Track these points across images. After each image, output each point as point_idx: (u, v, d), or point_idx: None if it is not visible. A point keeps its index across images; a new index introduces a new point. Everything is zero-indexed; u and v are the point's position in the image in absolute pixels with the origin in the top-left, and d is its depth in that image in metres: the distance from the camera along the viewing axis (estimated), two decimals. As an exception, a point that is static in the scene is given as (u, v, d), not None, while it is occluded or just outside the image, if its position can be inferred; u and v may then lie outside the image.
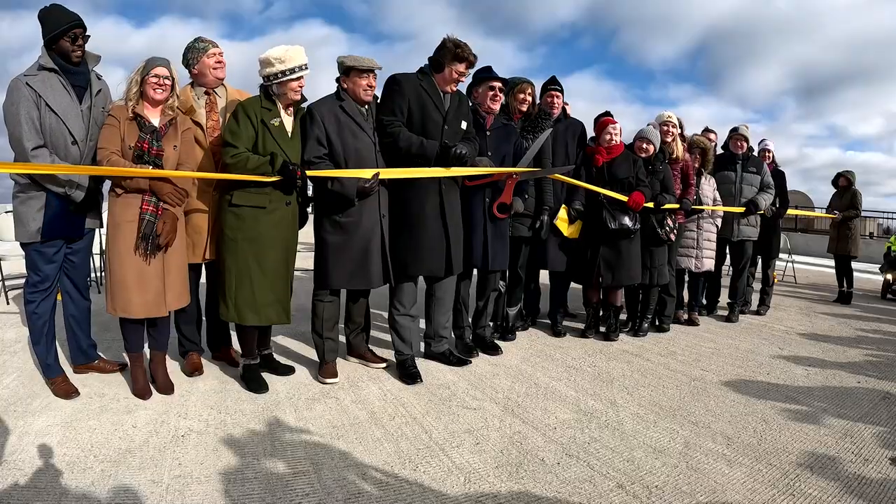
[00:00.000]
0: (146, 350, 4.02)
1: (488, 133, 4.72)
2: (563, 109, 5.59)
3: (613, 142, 5.41)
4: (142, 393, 3.83)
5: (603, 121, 5.57)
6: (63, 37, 3.62)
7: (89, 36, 3.74)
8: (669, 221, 5.62)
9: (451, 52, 4.19)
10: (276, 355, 4.51)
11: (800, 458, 3.17)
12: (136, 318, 3.79)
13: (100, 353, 4.37)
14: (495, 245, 4.74)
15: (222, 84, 4.27)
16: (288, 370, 4.35)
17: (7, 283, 6.91)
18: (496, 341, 5.17)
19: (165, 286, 3.80)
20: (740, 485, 2.87)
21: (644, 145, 5.56)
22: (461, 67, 4.22)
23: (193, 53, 4.11)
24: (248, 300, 3.93)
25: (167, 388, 3.92)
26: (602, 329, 5.76)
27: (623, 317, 6.02)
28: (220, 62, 4.16)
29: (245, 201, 3.86)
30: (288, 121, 3.98)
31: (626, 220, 5.24)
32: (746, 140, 6.57)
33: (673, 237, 5.69)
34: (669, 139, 5.85)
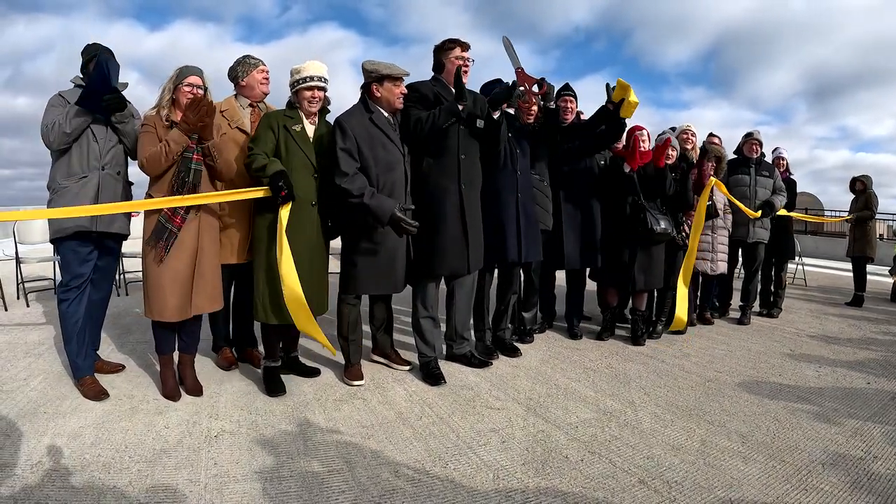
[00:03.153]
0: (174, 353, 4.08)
1: (510, 134, 4.79)
2: (578, 115, 5.68)
3: (643, 148, 5.37)
4: (171, 395, 3.91)
5: (632, 127, 5.59)
6: (91, 62, 3.96)
7: (118, 64, 3.99)
8: (686, 227, 5.70)
9: (443, 47, 4.34)
10: (301, 358, 4.59)
11: (812, 456, 3.25)
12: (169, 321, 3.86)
13: (98, 354, 4.45)
14: (528, 237, 4.81)
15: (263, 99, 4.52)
16: (314, 372, 4.44)
17: (26, 285, 7.00)
18: (515, 344, 5.24)
19: (196, 288, 3.88)
20: (755, 480, 2.97)
21: (671, 152, 5.57)
22: (458, 51, 4.33)
23: (244, 67, 4.38)
24: (275, 299, 3.99)
25: (196, 389, 4.02)
26: (625, 333, 5.82)
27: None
28: (266, 78, 4.45)
29: (271, 203, 3.96)
30: (310, 128, 4.10)
31: (664, 224, 5.26)
32: (760, 145, 6.68)
33: (684, 240, 5.77)
34: (689, 146, 5.96)
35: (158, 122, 3.79)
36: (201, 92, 3.85)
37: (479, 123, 4.35)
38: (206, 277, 3.94)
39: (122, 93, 4.04)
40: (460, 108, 4.18)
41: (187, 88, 3.82)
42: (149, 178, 3.85)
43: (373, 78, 4.17)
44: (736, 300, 7.09)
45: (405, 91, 4.21)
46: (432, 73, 4.49)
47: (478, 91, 4.73)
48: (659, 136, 5.94)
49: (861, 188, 8.61)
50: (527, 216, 4.83)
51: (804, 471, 3.08)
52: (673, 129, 6.24)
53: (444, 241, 4.31)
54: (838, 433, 3.59)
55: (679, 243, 5.66)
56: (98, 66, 3.83)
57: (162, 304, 3.77)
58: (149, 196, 3.82)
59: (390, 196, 4.07)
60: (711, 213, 5.98)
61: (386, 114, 4.20)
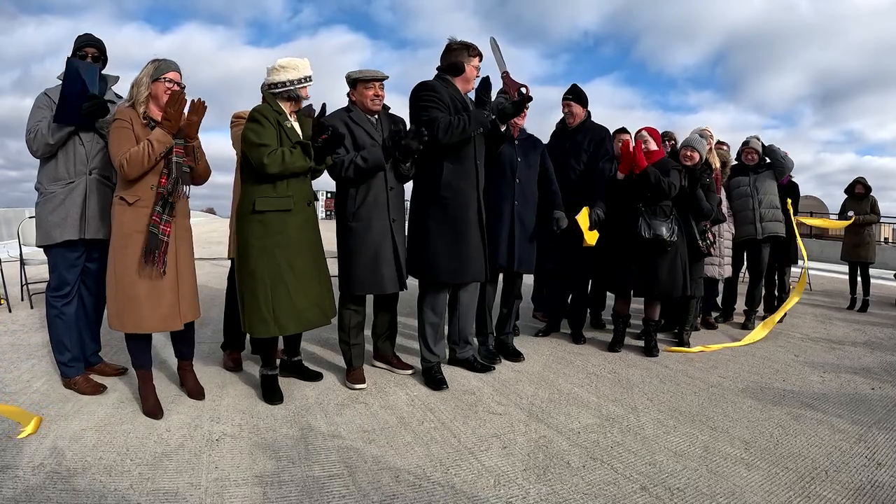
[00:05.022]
0: (159, 361, 4.01)
1: (517, 142, 4.83)
2: (588, 114, 5.62)
3: (646, 148, 5.27)
4: (153, 412, 3.67)
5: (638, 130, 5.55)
6: (76, 54, 3.96)
7: (105, 58, 4.07)
8: (710, 235, 5.67)
9: (465, 51, 4.31)
10: (304, 362, 4.57)
11: (815, 462, 3.24)
12: (144, 333, 3.71)
13: (101, 357, 4.46)
14: (522, 247, 4.82)
15: None
16: (317, 376, 4.42)
17: (30, 286, 6.99)
18: (517, 348, 5.22)
19: (179, 298, 3.73)
20: (758, 487, 2.95)
21: (689, 153, 5.51)
22: (477, 62, 4.34)
23: None
24: (288, 309, 3.86)
25: (197, 392, 3.98)
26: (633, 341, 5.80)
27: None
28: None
29: (270, 206, 3.81)
30: (296, 125, 4.00)
31: (663, 230, 5.09)
32: (757, 152, 6.72)
33: (713, 250, 5.75)
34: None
35: (135, 119, 3.57)
36: (178, 88, 3.67)
37: (502, 127, 4.35)
38: (187, 284, 3.81)
39: (112, 89, 4.03)
40: (490, 118, 4.20)
41: (168, 84, 3.63)
42: (121, 179, 3.62)
43: (349, 84, 4.28)
44: (740, 304, 7.08)
45: (379, 93, 4.23)
46: (437, 74, 4.42)
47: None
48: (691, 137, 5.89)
49: (862, 191, 8.59)
50: (522, 225, 4.84)
51: (807, 478, 3.07)
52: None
53: (468, 249, 4.31)
54: (842, 440, 3.58)
55: (704, 252, 5.59)
56: (68, 75, 3.77)
57: (137, 316, 3.58)
58: (121, 200, 3.59)
59: (370, 189, 4.20)
60: (719, 218, 5.95)
61: (366, 115, 4.26)
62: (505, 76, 4.58)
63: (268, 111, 3.83)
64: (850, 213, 8.48)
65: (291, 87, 3.88)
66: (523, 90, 4.52)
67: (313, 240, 4.07)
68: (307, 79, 3.91)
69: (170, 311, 3.67)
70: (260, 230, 3.83)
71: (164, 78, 3.63)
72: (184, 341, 4.03)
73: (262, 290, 3.84)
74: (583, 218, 5.15)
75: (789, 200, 6.97)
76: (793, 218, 7.11)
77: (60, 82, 3.91)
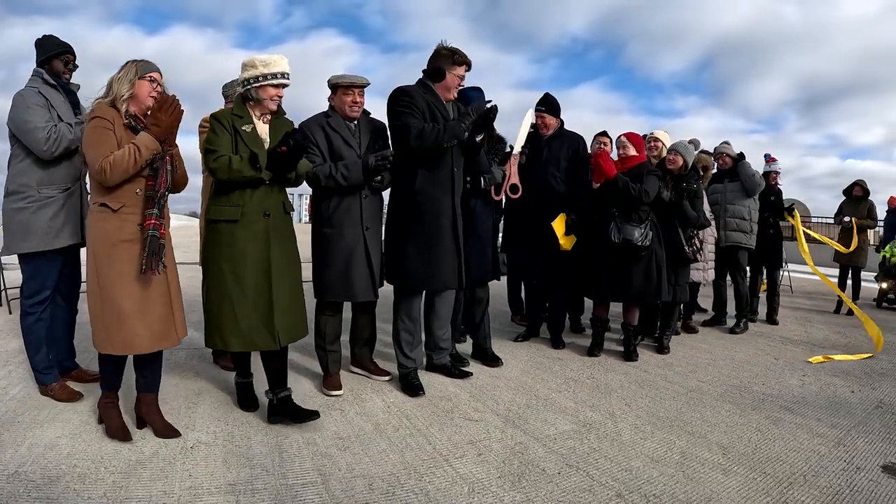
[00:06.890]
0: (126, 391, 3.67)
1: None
2: (561, 123, 5.62)
3: (623, 153, 5.30)
4: (118, 433, 3.38)
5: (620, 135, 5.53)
6: (57, 58, 3.97)
7: (78, 65, 4.06)
8: (697, 240, 5.68)
9: (450, 58, 4.25)
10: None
11: (793, 467, 3.24)
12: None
13: (77, 363, 4.42)
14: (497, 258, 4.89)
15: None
16: (312, 415, 3.69)
17: (9, 291, 6.85)
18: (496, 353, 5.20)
19: (173, 310, 3.43)
20: (735, 493, 2.94)
21: (672, 157, 5.56)
22: (461, 71, 4.27)
23: (232, 89, 4.38)
24: (231, 324, 3.57)
25: (169, 431, 3.45)
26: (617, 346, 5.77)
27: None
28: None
29: (219, 216, 3.59)
30: (262, 128, 3.67)
31: (635, 234, 5.05)
32: (729, 155, 6.86)
33: (700, 256, 5.76)
34: (656, 153, 5.92)
35: (117, 119, 3.24)
36: (160, 89, 3.39)
37: (478, 138, 4.30)
38: (177, 298, 3.52)
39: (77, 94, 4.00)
40: (465, 134, 4.15)
41: (153, 84, 3.34)
42: (100, 184, 3.24)
43: (330, 88, 4.25)
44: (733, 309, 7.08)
45: (357, 100, 4.18)
46: (421, 77, 4.37)
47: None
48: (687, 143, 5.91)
49: (861, 194, 8.62)
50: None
51: (785, 483, 3.06)
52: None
53: (439, 256, 4.27)
54: (821, 444, 3.58)
55: (690, 258, 5.60)
56: None
57: (129, 334, 3.25)
58: (103, 206, 3.24)
59: (343, 196, 4.19)
60: (705, 223, 5.96)
61: (344, 120, 4.23)
62: (513, 158, 4.67)
63: (223, 115, 3.62)
64: (846, 219, 8.53)
65: (249, 87, 3.59)
66: (508, 190, 4.80)
67: (272, 254, 3.64)
68: (263, 77, 3.54)
69: (163, 327, 3.36)
70: (211, 239, 3.67)
71: (150, 77, 3.34)
72: (150, 368, 3.54)
73: (208, 301, 3.70)
74: (558, 223, 5.23)
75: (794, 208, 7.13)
76: (797, 226, 7.24)
77: (55, 83, 3.92)
